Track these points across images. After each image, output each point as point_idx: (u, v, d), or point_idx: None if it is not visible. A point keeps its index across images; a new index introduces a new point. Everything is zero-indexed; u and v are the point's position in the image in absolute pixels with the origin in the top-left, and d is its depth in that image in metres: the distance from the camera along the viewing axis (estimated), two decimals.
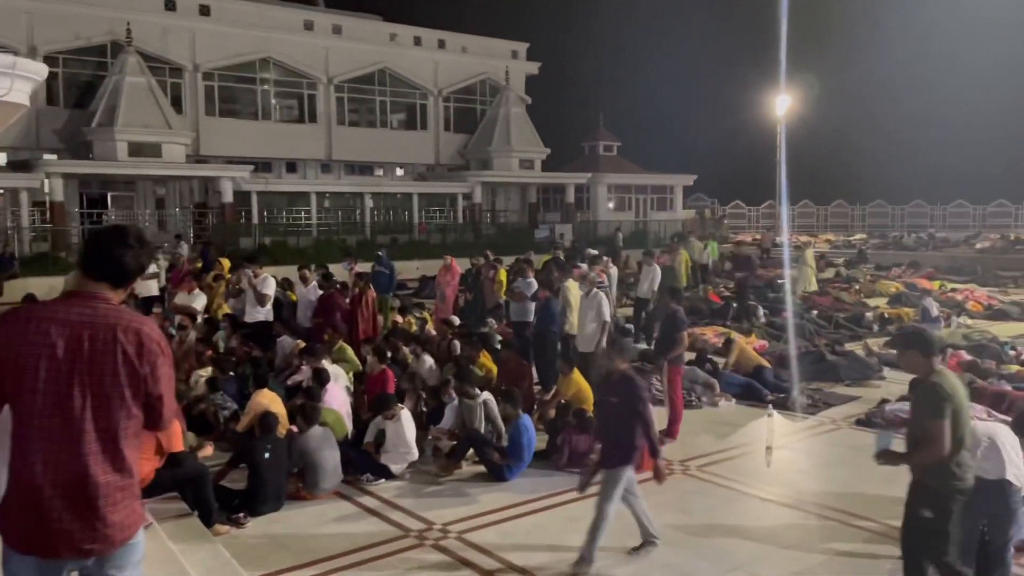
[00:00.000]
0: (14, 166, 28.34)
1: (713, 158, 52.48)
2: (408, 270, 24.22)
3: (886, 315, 16.17)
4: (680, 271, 16.74)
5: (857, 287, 21.70)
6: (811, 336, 14.30)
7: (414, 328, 12.63)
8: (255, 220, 31.04)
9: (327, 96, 36.17)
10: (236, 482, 6.56)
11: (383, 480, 7.12)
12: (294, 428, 7.09)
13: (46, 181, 26.58)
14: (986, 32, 55.30)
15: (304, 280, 11.19)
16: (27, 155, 28.42)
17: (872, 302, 18.83)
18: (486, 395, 7.66)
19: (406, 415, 7.38)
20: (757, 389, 10.39)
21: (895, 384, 10.65)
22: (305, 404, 7.04)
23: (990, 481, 4.81)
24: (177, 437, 6.08)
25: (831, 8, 57.27)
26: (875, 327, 15.53)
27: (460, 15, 59.10)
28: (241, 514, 6.27)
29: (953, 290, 21.26)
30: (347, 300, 10.58)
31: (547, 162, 41.23)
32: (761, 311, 16.84)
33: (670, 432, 8.53)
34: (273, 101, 35.48)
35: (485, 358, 9.68)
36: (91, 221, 29.35)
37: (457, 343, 10.63)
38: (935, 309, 16.33)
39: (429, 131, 39.48)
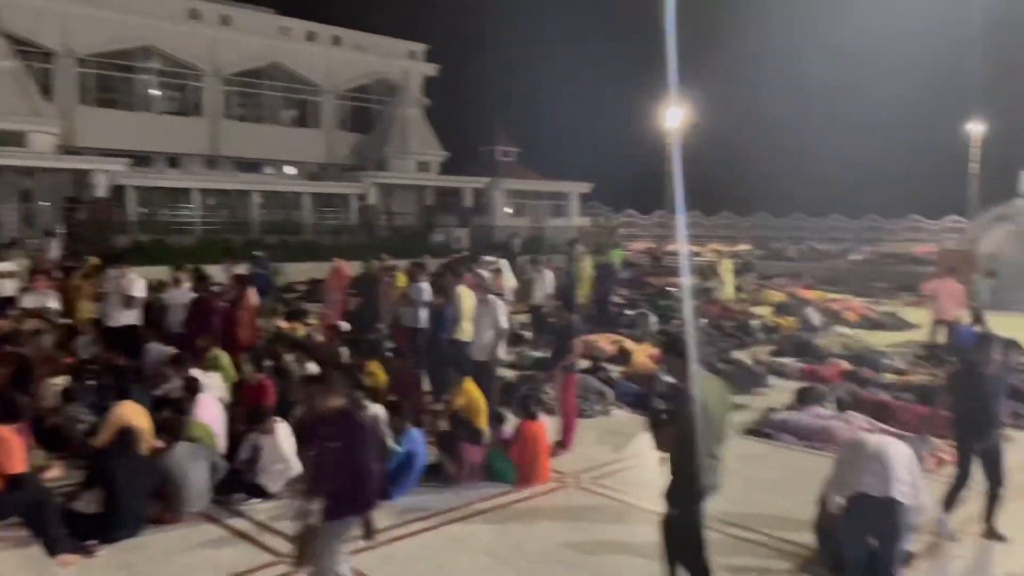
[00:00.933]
0: None
1: (608, 166, 53.44)
2: (298, 273, 23.34)
3: (771, 324, 16.61)
4: (582, 278, 16.74)
5: (743, 296, 22.33)
6: (706, 344, 14.51)
7: (301, 333, 12.04)
8: (131, 217, 29.23)
9: (213, 89, 34.59)
10: (92, 504, 5.90)
11: (258, 500, 6.59)
12: (160, 443, 6.48)
13: None
14: (866, 51, 58.61)
15: (176, 282, 10.43)
16: None
17: (758, 311, 19.37)
18: (375, 408, 7.23)
19: (283, 428, 6.86)
20: (650, 399, 10.34)
21: (779, 393, 10.84)
22: (169, 417, 6.43)
23: (876, 498, 4.78)
24: (14, 456, 5.39)
25: (721, 22, 59.40)
26: (760, 336, 15.93)
27: (357, 13, 57.98)
28: (93, 541, 5.63)
29: (832, 300, 22.19)
30: (224, 304, 9.87)
31: (445, 166, 40.81)
32: (652, 318, 17.03)
33: (563, 442, 8.34)
34: (155, 92, 33.64)
35: (374, 366, 9.23)
36: None
37: (344, 350, 10.15)
38: (816, 318, 16.95)
39: (322, 129, 38.39)
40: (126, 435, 5.99)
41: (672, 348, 4.72)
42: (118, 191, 28.95)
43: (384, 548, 5.85)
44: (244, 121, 36.05)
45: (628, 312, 17.70)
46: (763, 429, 9.13)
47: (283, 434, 6.78)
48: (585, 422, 9.51)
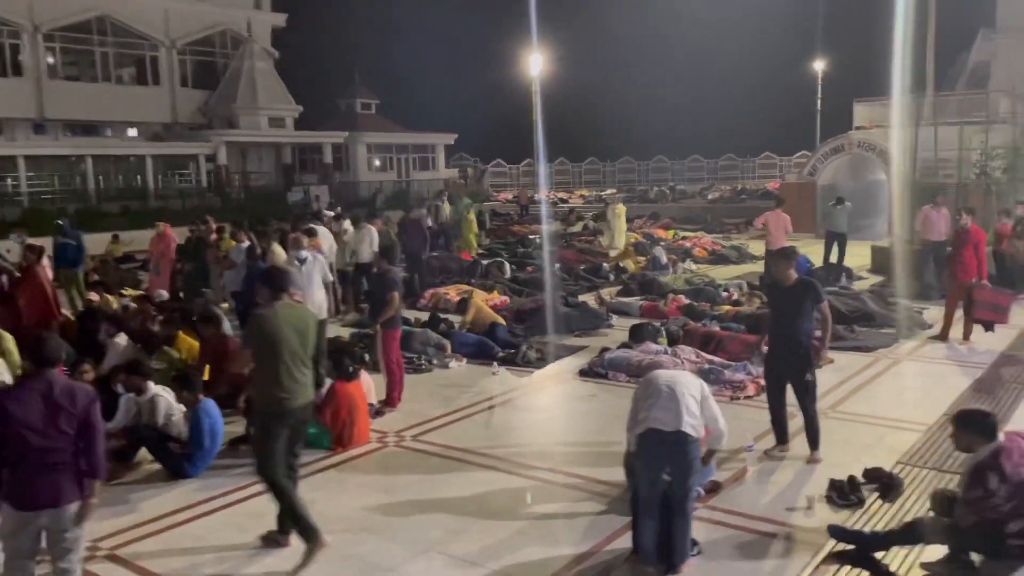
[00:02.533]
0: None
1: (474, 117, 52.76)
2: (143, 241, 21.80)
3: (619, 265, 16.77)
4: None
5: (601, 239, 22.54)
6: (555, 289, 14.45)
7: (115, 306, 11.12)
8: None
9: (34, 46, 31.56)
10: None
11: None
12: None
13: None
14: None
15: None
16: None
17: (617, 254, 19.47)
18: (157, 389, 6.62)
19: None
20: (489, 347, 10.14)
21: (621, 332, 10.86)
22: None
23: (667, 433, 4.68)
24: None
25: None
26: (611, 277, 16.06)
27: None
28: None
29: (684, 238, 22.73)
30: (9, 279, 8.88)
31: (303, 121, 39.11)
32: (508, 267, 16.87)
33: (389, 400, 8.00)
34: None
35: (184, 336, 8.56)
36: None
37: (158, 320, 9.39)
38: (664, 257, 17.24)
39: (163, 86, 35.85)
40: None
41: (266, 282, 5.19)
42: None
43: (166, 534, 5.37)
44: (73, 80, 33.20)
45: (484, 262, 17.50)
46: (595, 368, 9.08)
47: None
48: (421, 376, 9.24)
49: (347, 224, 13.62)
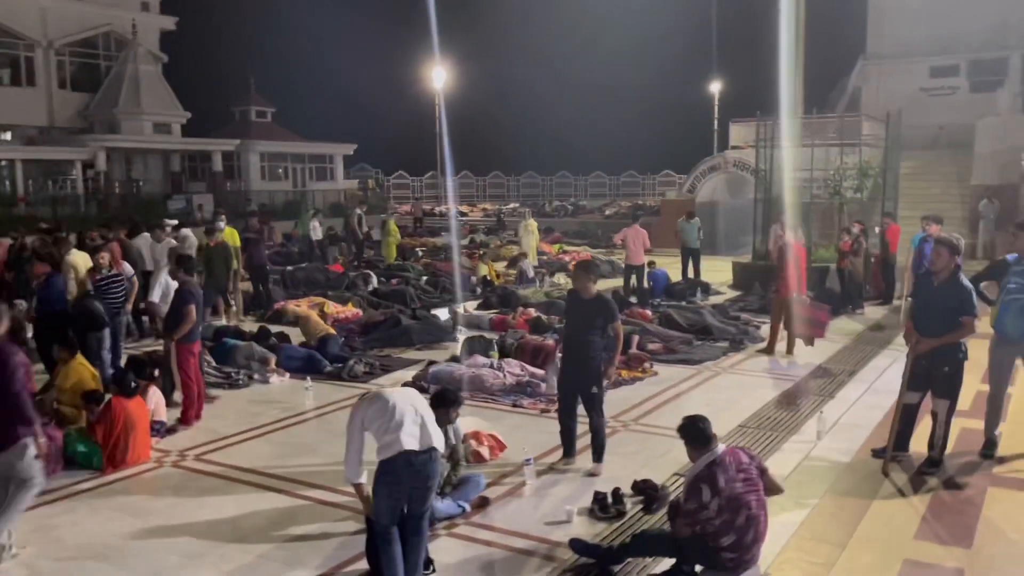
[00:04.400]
0: None
1: (376, 128, 52.35)
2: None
3: (489, 278, 16.72)
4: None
5: (482, 252, 22.49)
6: (411, 302, 14.24)
7: None
8: None
9: None
10: None
11: None
12: None
13: None
14: (622, 17, 61.09)
15: None
16: None
17: (498, 267, 19.31)
18: None
19: None
20: (317, 360, 9.84)
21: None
22: None
23: (419, 452, 4.49)
24: None
25: None
26: (478, 290, 15.96)
27: None
28: None
29: (565, 252, 22.91)
30: None
31: (193, 128, 37.86)
32: (375, 280, 16.60)
33: (184, 418, 7.63)
34: None
35: None
36: None
37: None
38: (531, 271, 17.30)
39: (39, 88, 34.15)
40: None
41: None
42: None
43: None
44: None
45: (352, 274, 17.20)
46: (419, 382, 8.90)
47: None
48: (236, 392, 8.88)
49: (187, 232, 13.10)
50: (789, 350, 10.28)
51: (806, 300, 10.19)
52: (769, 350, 10.42)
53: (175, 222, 13.80)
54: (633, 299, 14.13)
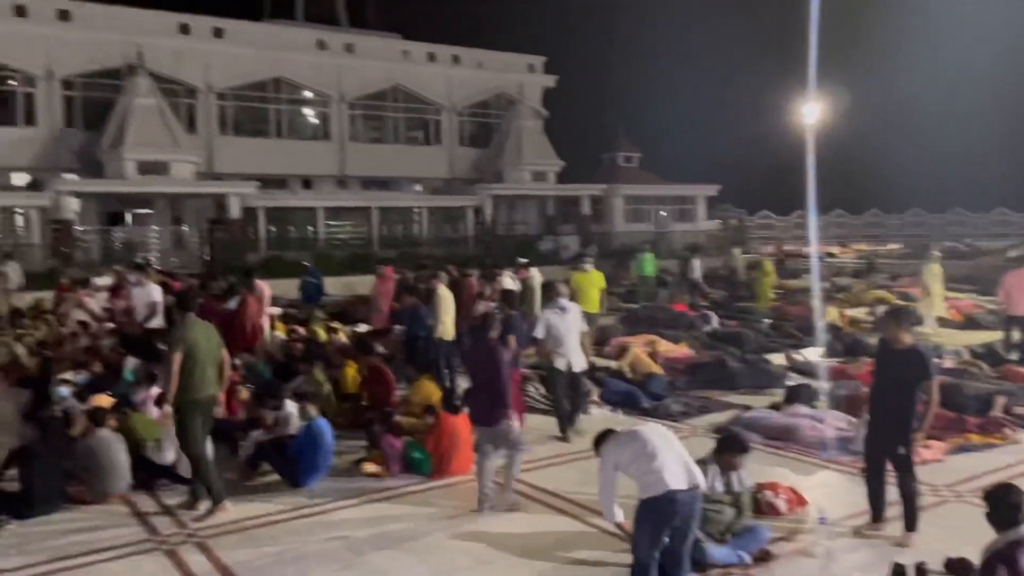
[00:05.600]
0: (32, 186, 29.64)
1: (739, 168, 51.44)
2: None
3: (837, 324, 15.60)
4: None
5: (841, 296, 20.98)
6: (746, 345, 13.88)
7: (323, 338, 12.73)
8: (261, 235, 31.74)
9: (339, 113, 36.83)
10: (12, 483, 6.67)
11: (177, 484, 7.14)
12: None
13: (60, 199, 27.68)
14: (1011, 42, 52.67)
15: (140, 282, 11.35)
16: (46, 175, 29.62)
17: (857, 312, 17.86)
18: (290, 406, 7.70)
19: None
20: (637, 397, 10.12)
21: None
22: (95, 408, 7.15)
23: (684, 491, 4.58)
24: None
25: (860, 12, 55.55)
26: (820, 336, 14.96)
27: (479, 30, 58.90)
28: (4, 517, 6.34)
29: (945, 299, 20.35)
30: (225, 309, 10.66)
31: (567, 175, 41.10)
32: (715, 320, 16.46)
33: None
34: (286, 119, 36.27)
35: (350, 366, 9.68)
36: (105, 237, 30.48)
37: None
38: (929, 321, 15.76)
39: (443, 146, 39.82)
40: (46, 420, 6.74)
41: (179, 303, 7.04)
42: (250, 212, 31.54)
43: (253, 531, 6.24)
44: (369, 142, 38.06)
45: (693, 314, 17.24)
46: (731, 427, 8.70)
47: None
48: (549, 419, 9.45)
49: (534, 272, 14.21)
50: None
51: None
52: None
53: (526, 261, 15.10)
54: (1013, 355, 12.19)
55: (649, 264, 20.82)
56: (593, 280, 12.84)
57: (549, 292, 9.16)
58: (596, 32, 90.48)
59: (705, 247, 40.34)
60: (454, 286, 11.25)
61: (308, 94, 36.17)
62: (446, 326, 10.13)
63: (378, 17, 44.36)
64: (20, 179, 30.47)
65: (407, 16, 47.31)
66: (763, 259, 21.52)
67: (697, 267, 22.27)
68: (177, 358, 6.27)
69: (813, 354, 13.05)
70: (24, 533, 6.21)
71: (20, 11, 29.67)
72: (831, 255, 41.61)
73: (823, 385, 9.91)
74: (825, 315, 16.14)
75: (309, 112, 36.82)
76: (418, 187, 39.95)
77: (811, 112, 43.98)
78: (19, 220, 28.51)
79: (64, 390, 8.58)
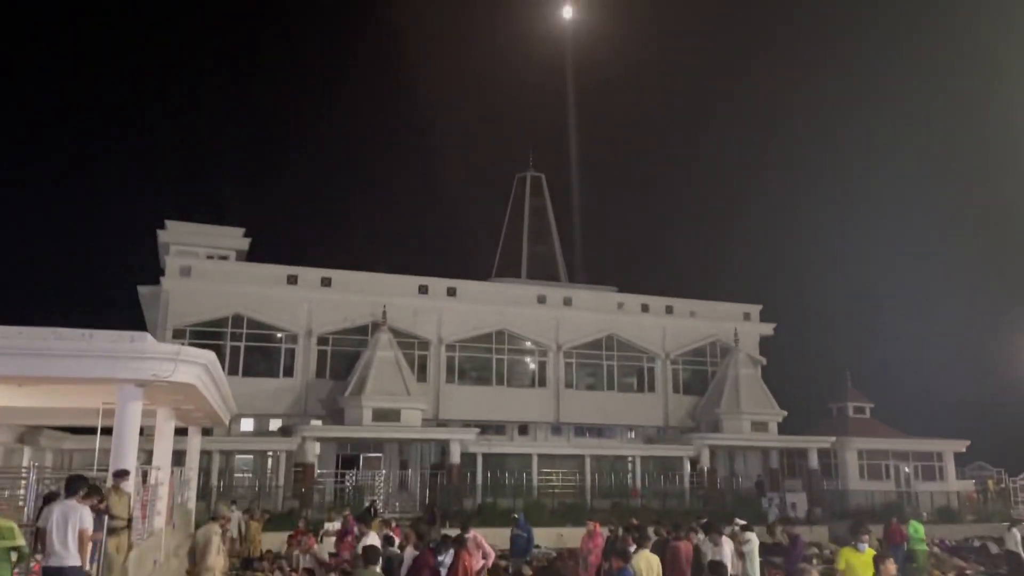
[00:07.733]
0: (282, 431, 32.96)
1: (993, 422, 46.23)
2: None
3: None
4: None
5: None
6: None
7: None
8: (479, 481, 32.49)
9: (556, 362, 38.36)
10: None
11: None
12: None
13: (306, 444, 30.41)
14: None
15: (407, 539, 11.75)
16: (295, 421, 32.92)
17: None
18: None
19: None
20: None
21: None
22: None
23: None
24: None
25: None
26: None
27: (693, 281, 60.51)
28: None
29: None
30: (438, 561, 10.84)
31: (790, 425, 39.16)
32: None
33: None
34: (507, 368, 38.29)
35: None
36: (339, 481, 32.66)
37: None
38: None
39: (657, 393, 39.77)
40: None
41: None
42: (468, 457, 32.67)
43: None
44: (583, 389, 38.95)
45: None
46: None
47: None
48: None
49: (751, 536, 13.19)
50: None
51: None
52: None
53: (743, 522, 14.18)
54: None
55: (919, 534, 18.13)
56: (867, 562, 10.09)
57: None
58: (815, 278, 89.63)
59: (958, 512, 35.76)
60: (661, 548, 10.74)
61: (528, 344, 38.25)
62: None
63: (594, 274, 47.18)
64: (275, 424, 34.02)
65: (624, 271, 49.78)
66: None
67: (1018, 539, 18.17)
68: None
69: None
70: None
71: (292, 279, 34.90)
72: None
73: None
74: None
75: (528, 360, 38.73)
76: (631, 434, 39.65)
77: None
78: (269, 463, 31.50)
79: None
